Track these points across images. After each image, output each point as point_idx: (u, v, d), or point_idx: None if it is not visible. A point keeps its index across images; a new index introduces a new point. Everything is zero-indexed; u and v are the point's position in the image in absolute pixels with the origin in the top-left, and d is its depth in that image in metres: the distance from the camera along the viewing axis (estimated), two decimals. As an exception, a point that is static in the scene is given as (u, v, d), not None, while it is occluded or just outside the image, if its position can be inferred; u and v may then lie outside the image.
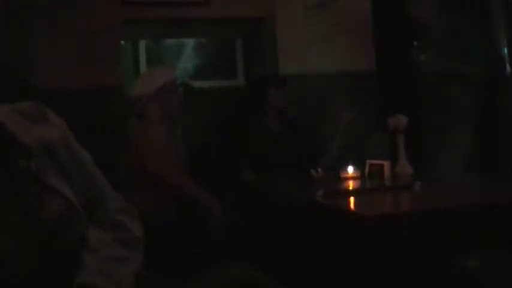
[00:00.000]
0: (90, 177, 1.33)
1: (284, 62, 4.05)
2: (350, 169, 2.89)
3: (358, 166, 2.93)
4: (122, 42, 4.13)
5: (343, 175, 2.89)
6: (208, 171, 3.43)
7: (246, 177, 3.31)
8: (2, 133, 1.17)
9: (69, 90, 3.33)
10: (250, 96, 3.75)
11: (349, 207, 2.29)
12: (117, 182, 1.45)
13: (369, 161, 2.92)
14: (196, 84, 4.14)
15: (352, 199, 2.43)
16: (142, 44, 4.45)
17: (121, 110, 3.20)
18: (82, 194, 1.27)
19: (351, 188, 2.70)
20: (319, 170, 2.82)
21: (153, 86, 2.95)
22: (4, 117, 1.20)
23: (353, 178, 2.86)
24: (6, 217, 1.12)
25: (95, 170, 1.36)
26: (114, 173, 1.45)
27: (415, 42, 3.56)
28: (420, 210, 2.18)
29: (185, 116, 3.22)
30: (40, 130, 1.23)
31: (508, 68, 3.51)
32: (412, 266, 2.03)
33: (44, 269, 1.15)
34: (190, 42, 4.60)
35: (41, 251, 1.14)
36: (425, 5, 3.36)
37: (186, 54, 4.58)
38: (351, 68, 3.96)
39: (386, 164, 2.85)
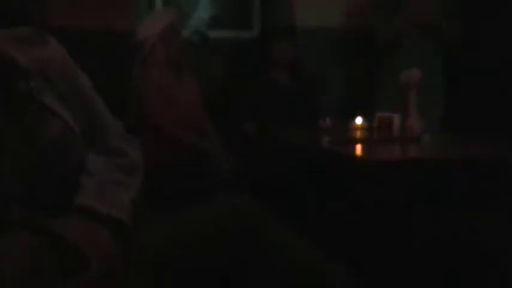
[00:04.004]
0: (89, 103, 1.33)
1: (302, 14, 4.01)
2: (359, 120, 2.88)
3: (367, 118, 2.92)
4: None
5: (351, 126, 2.88)
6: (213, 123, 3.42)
7: (248, 129, 3.32)
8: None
9: (81, 31, 3.32)
10: (260, 49, 3.73)
11: (355, 154, 2.29)
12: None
13: (378, 114, 2.91)
14: (210, 33, 4.11)
15: (358, 147, 2.43)
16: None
17: (131, 55, 3.18)
18: (81, 119, 1.28)
19: (358, 137, 2.69)
20: (327, 120, 2.81)
21: (156, 28, 2.93)
22: (1, 41, 1.21)
23: (361, 129, 2.85)
24: (4, 138, 1.13)
25: (95, 96, 1.36)
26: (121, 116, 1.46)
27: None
28: (426, 159, 2.17)
29: (196, 65, 3.21)
30: (37, 52, 1.24)
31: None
32: (416, 214, 2.05)
33: (41, 192, 1.16)
34: (206, -10, 4.54)
35: (39, 173, 1.15)
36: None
37: (202, 2, 4.53)
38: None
39: (395, 117, 2.83)
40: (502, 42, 3.44)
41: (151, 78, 2.90)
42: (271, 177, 2.80)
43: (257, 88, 3.53)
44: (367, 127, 2.86)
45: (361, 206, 2.08)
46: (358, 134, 2.76)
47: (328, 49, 3.96)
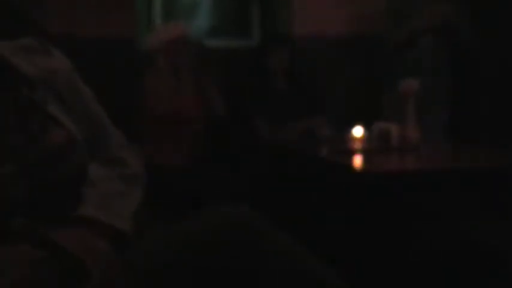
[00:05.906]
0: (92, 114, 1.35)
1: (301, 22, 4.03)
2: (358, 130, 2.88)
3: (366, 128, 2.92)
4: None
5: (350, 135, 2.89)
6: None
7: (258, 125, 3.36)
8: (3, 65, 1.20)
9: (82, 39, 3.34)
10: (259, 57, 3.75)
11: (353, 164, 2.30)
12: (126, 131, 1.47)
13: (376, 123, 2.91)
14: (210, 42, 4.13)
15: (356, 157, 2.44)
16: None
17: (132, 62, 3.24)
18: (84, 128, 1.29)
19: (356, 147, 2.70)
20: (325, 129, 2.83)
21: (164, 39, 3.08)
22: (5, 51, 1.22)
23: (360, 139, 2.85)
24: (8, 145, 1.14)
25: (98, 107, 1.38)
26: (123, 123, 1.47)
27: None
28: (425, 170, 2.18)
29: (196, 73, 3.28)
30: (42, 63, 1.26)
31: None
32: (414, 225, 2.05)
33: (43, 200, 1.16)
34: (206, -1, 4.57)
35: (42, 181, 1.16)
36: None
37: (201, 11, 4.55)
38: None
39: (394, 127, 2.84)
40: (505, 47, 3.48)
41: (157, 87, 3.03)
42: (269, 183, 2.83)
43: (256, 95, 3.56)
44: (366, 137, 2.87)
45: (360, 215, 2.09)
46: (357, 144, 2.77)
47: (328, 56, 3.98)
